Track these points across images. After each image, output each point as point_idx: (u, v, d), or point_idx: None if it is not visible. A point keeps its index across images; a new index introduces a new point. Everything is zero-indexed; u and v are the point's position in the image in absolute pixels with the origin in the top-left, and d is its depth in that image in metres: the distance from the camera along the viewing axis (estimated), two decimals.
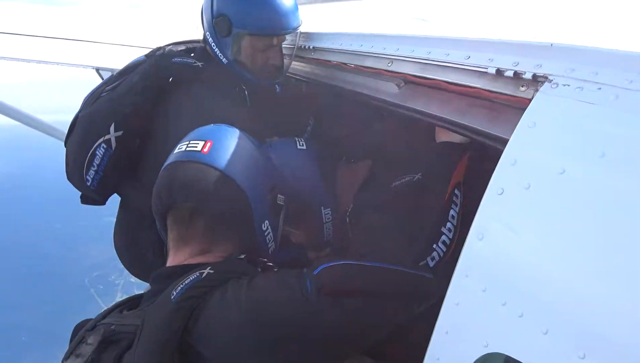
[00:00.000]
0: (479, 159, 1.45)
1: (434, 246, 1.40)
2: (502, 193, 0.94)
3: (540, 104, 0.95)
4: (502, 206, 0.94)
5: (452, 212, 1.44)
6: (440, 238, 1.41)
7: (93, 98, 2.05)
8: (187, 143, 1.42)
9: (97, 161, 1.98)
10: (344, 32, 1.90)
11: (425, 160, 1.60)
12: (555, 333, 0.81)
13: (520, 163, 0.93)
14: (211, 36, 2.06)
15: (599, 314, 0.77)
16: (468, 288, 0.98)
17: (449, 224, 1.43)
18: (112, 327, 1.15)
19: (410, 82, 1.47)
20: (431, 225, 1.43)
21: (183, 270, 1.24)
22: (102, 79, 3.87)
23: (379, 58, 1.58)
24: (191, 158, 1.37)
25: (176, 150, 1.43)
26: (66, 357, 1.17)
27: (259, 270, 1.35)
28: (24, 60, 3.64)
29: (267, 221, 1.42)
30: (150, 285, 1.33)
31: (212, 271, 1.21)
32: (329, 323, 1.17)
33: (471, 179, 1.47)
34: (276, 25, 1.99)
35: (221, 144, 1.41)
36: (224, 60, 2.06)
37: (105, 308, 1.31)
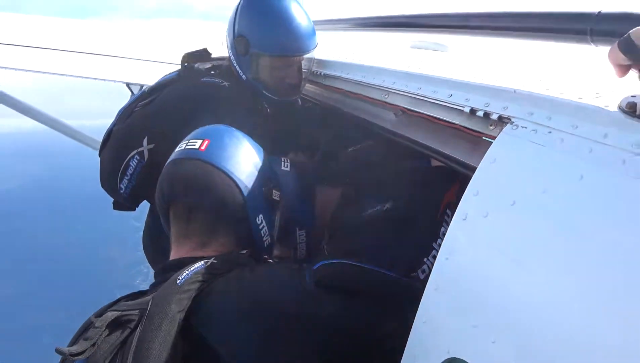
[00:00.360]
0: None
1: (425, 259, 1.49)
2: (465, 218, 1.08)
3: (501, 142, 1.09)
4: (465, 230, 1.08)
5: (443, 229, 1.55)
6: (431, 252, 1.51)
7: (127, 113, 2.24)
8: (187, 141, 1.54)
9: (130, 171, 2.15)
10: (349, 62, 2.06)
11: (397, 185, 1.70)
12: (501, 343, 0.95)
13: (482, 194, 1.07)
14: (232, 54, 2.24)
15: (536, 327, 0.90)
16: (436, 300, 1.11)
17: (439, 241, 1.53)
18: (119, 312, 1.20)
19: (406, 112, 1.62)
20: (422, 240, 1.53)
21: (185, 262, 1.32)
22: (132, 92, 4.12)
23: (378, 90, 1.72)
24: (189, 155, 1.48)
25: (177, 149, 1.55)
26: (72, 343, 1.21)
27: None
28: (58, 74, 3.87)
29: (261, 215, 1.52)
30: (154, 277, 1.41)
31: (216, 261, 1.30)
32: (326, 315, 1.24)
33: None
34: (291, 48, 2.16)
35: (218, 142, 1.52)
36: (243, 77, 2.23)
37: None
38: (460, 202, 1.11)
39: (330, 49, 2.53)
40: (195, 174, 1.46)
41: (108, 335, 1.15)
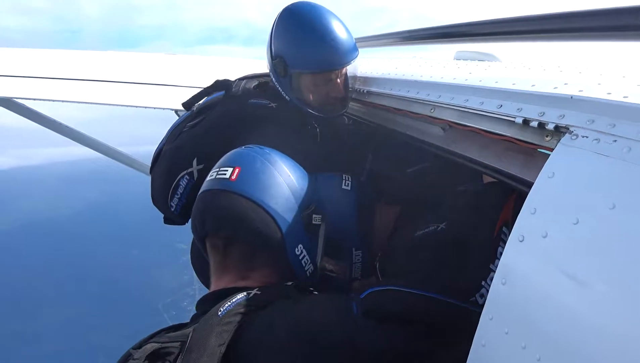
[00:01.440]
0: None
1: (483, 282, 1.39)
2: (522, 240, 0.98)
3: (560, 155, 0.99)
4: (522, 252, 0.98)
5: (500, 249, 1.44)
6: (489, 274, 1.40)
7: (176, 133, 2.26)
8: (218, 170, 1.48)
9: (180, 191, 2.17)
10: (392, 78, 1.99)
11: (452, 207, 1.62)
12: None
13: (540, 212, 0.97)
14: (273, 76, 2.20)
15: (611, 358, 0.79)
16: (492, 330, 1.01)
17: (497, 262, 1.43)
18: (158, 344, 1.17)
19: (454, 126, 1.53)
20: (479, 262, 1.44)
21: (226, 293, 1.28)
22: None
23: (423, 104, 1.65)
24: (221, 186, 1.43)
25: (208, 177, 1.49)
26: None
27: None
28: (111, 104, 4.00)
29: (301, 245, 1.45)
30: (196, 308, 1.37)
31: (259, 292, 1.26)
32: (373, 346, 1.18)
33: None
34: (328, 62, 2.09)
35: (249, 170, 1.45)
36: (287, 97, 2.19)
37: None
38: (516, 222, 1.01)
39: (371, 65, 2.47)
40: (226, 207, 1.41)
41: None
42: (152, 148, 2.43)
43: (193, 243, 2.52)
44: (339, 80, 2.17)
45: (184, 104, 2.33)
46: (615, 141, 0.90)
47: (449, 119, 1.50)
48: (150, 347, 1.16)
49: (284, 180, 1.49)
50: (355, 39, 2.20)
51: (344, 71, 2.18)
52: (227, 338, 1.12)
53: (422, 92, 1.67)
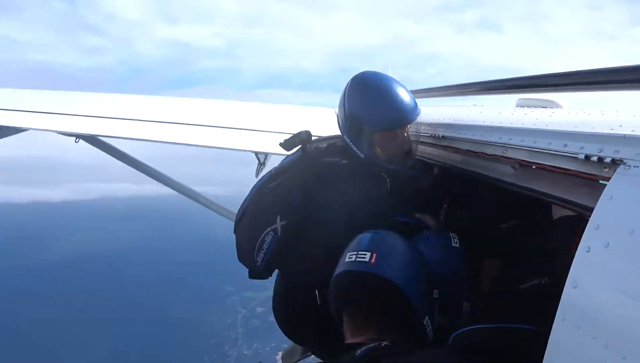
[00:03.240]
0: None
1: None
2: (589, 250, 1.21)
3: (617, 182, 1.23)
4: (589, 261, 1.21)
5: None
6: None
7: (260, 193, 2.57)
8: (356, 253, 1.73)
9: (265, 246, 2.46)
10: (466, 124, 2.26)
11: (550, 262, 1.73)
12: (632, 359, 1.05)
13: (602, 227, 1.20)
14: (346, 134, 2.51)
15: None
16: (565, 327, 1.23)
17: None
18: None
19: (524, 165, 1.77)
20: None
21: (363, 344, 1.56)
22: (258, 160, 4.56)
23: (496, 146, 1.90)
24: (362, 268, 1.69)
25: (347, 259, 1.75)
26: None
27: None
28: (196, 145, 4.37)
29: (427, 317, 1.69)
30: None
31: (388, 344, 1.54)
32: None
33: None
34: (400, 120, 2.43)
35: (385, 254, 1.72)
36: (361, 155, 2.47)
37: None
38: (583, 236, 1.24)
39: (445, 112, 2.73)
40: (369, 287, 1.68)
41: None
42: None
43: (275, 296, 2.84)
44: (406, 134, 2.48)
45: (281, 145, 2.61)
46: None
47: (520, 158, 1.74)
48: None
49: (411, 260, 1.77)
50: (425, 90, 2.49)
51: (409, 126, 2.48)
52: None
53: (494, 136, 1.92)
